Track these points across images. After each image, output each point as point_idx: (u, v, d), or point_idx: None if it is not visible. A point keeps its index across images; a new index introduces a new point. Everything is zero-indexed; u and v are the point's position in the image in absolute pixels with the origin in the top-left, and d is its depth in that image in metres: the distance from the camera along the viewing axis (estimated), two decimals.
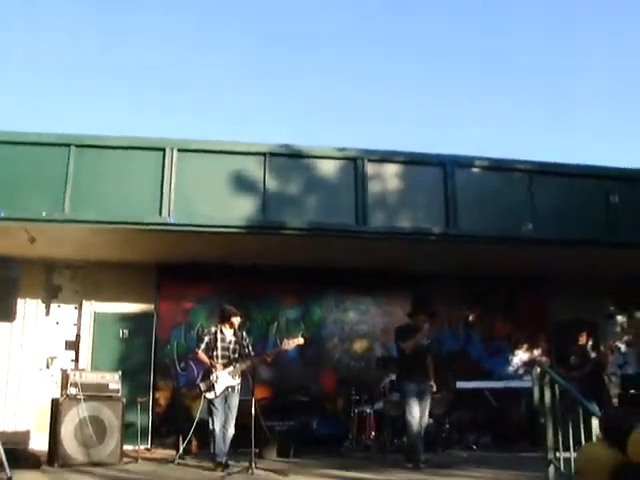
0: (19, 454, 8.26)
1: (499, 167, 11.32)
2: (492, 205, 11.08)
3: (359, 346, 12.64)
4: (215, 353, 8.73)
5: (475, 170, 11.30)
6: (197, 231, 10.10)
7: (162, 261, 11.89)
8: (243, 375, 8.82)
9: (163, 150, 10.23)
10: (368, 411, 10.66)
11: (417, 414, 8.83)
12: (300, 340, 8.93)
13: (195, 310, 12.09)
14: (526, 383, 10.90)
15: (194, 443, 9.80)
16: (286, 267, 11.89)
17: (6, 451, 7.32)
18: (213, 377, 8.58)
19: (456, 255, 11.51)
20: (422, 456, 8.74)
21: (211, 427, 8.52)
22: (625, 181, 11.63)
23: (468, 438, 11.21)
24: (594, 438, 6.22)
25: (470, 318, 13.08)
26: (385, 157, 10.99)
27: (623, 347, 13.02)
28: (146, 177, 10.14)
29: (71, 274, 12.06)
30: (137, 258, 11.57)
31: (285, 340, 8.97)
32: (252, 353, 8.87)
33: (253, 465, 7.87)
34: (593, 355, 11.05)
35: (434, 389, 9.25)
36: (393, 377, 10.68)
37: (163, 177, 10.08)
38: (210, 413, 8.59)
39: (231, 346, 8.82)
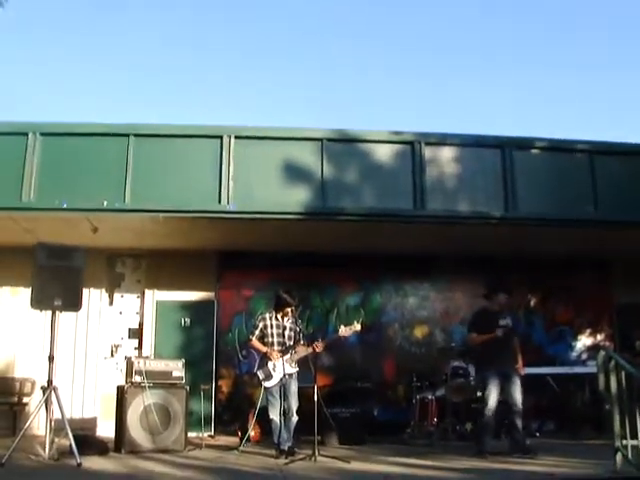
0: (87, 441, 8.39)
1: (558, 148, 11.12)
2: (552, 187, 10.90)
3: (419, 332, 12.58)
4: (271, 340, 8.71)
5: (534, 151, 11.13)
6: (256, 218, 10.12)
7: (222, 249, 12.00)
8: (303, 362, 8.82)
9: (220, 138, 10.28)
10: (430, 397, 10.57)
11: (494, 404, 8.62)
12: (357, 327, 8.81)
13: (255, 298, 12.15)
14: (590, 369, 10.72)
15: (256, 430, 9.87)
16: (345, 253, 11.88)
17: (75, 438, 7.49)
18: (270, 365, 8.55)
19: (516, 239, 11.36)
20: (488, 446, 8.57)
21: (271, 416, 8.48)
22: None
23: (531, 425, 11.03)
24: None
25: (532, 303, 12.91)
26: (442, 140, 10.88)
27: None
28: (204, 165, 10.22)
29: (133, 263, 12.25)
30: (197, 246, 11.67)
31: (342, 327, 8.86)
32: (303, 341, 8.83)
33: (316, 452, 7.90)
34: None
35: (523, 372, 9.03)
36: (456, 363, 10.64)
37: (221, 165, 10.14)
38: (268, 402, 8.57)
39: (287, 332, 8.74)
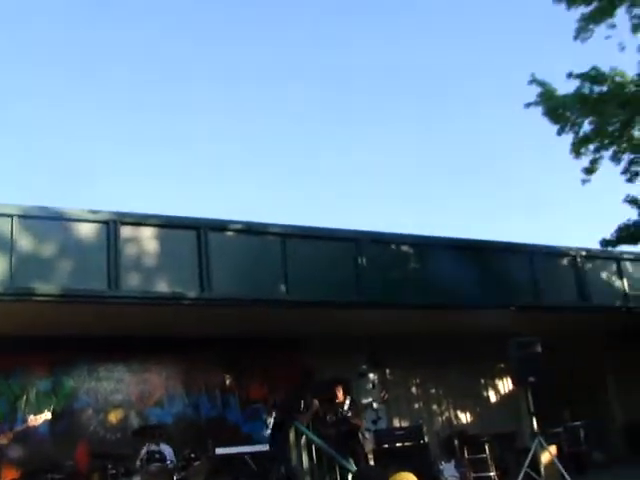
0: None
1: (253, 230, 11.57)
2: (246, 268, 11.27)
3: (114, 416, 12.19)
4: None
5: (229, 233, 11.47)
6: None
7: None
8: None
9: None
10: None
11: None
12: (48, 415, 8.50)
13: None
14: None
15: None
16: (36, 336, 11.21)
17: None
18: None
19: (212, 319, 11.53)
20: None
21: None
22: (372, 243, 12.30)
23: None
24: None
25: (227, 382, 13.06)
26: (140, 220, 10.87)
27: (375, 404, 13.52)
28: None
29: None
30: None
31: (32, 416, 8.49)
32: None
33: None
34: (348, 413, 11.34)
35: None
36: (151, 447, 10.46)
37: None
38: None
39: None
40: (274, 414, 10.38)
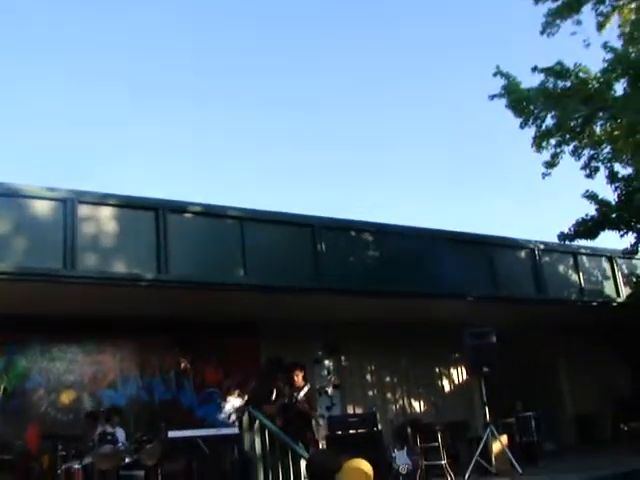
0: None
1: (211, 213, 11.49)
2: (204, 251, 11.20)
3: (66, 397, 12.01)
4: None
5: (187, 215, 11.38)
6: None
7: None
8: None
9: None
10: (76, 467, 10.05)
11: None
12: None
13: None
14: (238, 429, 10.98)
15: None
16: None
17: None
18: None
19: (168, 301, 11.40)
20: None
21: None
22: (331, 229, 12.27)
23: None
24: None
25: (182, 365, 12.96)
26: (98, 199, 10.71)
27: (330, 390, 13.51)
28: None
29: None
30: None
31: None
32: None
33: None
34: (304, 399, 11.27)
35: None
36: (104, 429, 10.34)
37: None
38: None
39: None
40: (242, 403, 10.25)
